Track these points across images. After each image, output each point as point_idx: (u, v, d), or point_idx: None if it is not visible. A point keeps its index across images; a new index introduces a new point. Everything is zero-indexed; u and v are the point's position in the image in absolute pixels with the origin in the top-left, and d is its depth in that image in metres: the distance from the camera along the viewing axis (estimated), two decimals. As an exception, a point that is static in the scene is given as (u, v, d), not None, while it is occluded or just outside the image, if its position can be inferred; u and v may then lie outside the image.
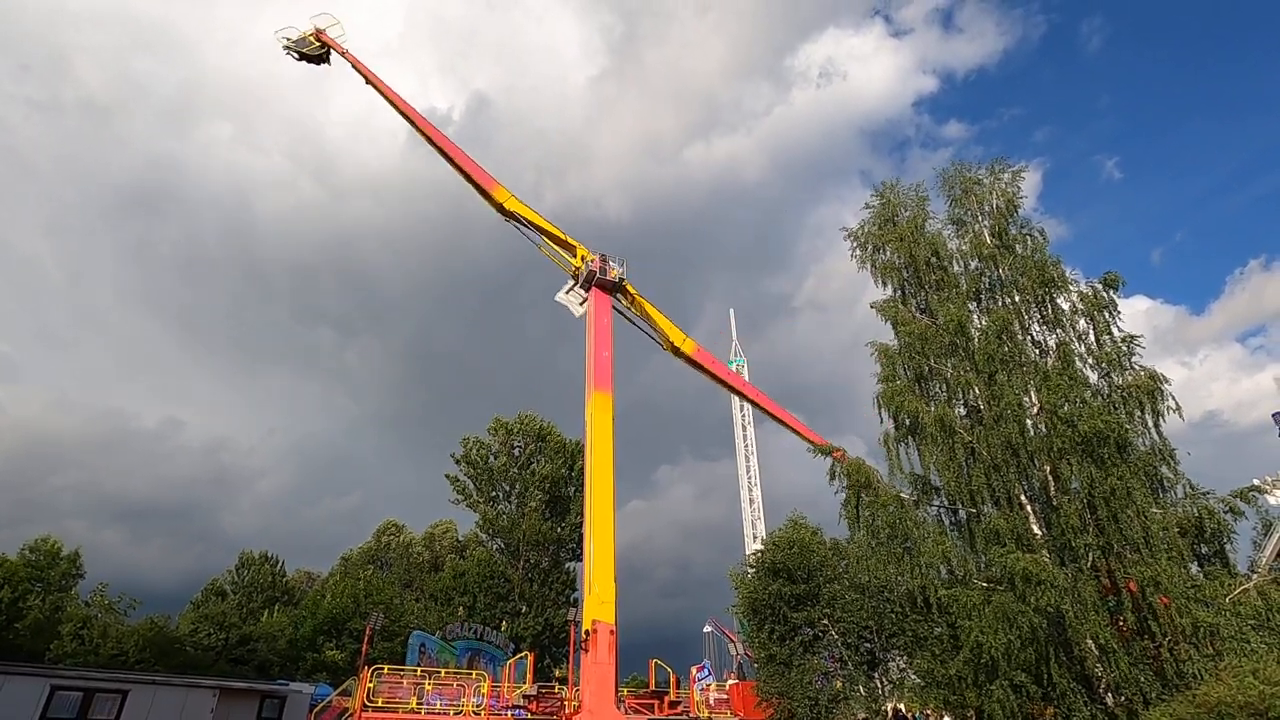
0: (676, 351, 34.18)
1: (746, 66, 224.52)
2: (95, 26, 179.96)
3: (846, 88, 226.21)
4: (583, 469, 31.60)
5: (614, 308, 32.31)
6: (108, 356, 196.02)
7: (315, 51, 35.88)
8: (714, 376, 35.77)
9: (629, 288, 32.56)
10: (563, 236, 32.77)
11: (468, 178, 33.23)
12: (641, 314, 33.75)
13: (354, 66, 35.01)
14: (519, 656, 33.62)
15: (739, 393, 37.93)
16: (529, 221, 32.64)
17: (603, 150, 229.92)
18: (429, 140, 33.77)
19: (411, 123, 34.29)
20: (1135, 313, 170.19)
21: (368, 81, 34.94)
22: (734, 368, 63.81)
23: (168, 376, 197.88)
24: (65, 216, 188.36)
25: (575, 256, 32.20)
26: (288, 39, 35.37)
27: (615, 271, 31.58)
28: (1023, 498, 16.54)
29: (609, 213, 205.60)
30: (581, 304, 31.40)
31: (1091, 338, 17.36)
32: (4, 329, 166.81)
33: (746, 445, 59.46)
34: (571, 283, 31.87)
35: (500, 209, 32.73)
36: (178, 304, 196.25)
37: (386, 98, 34.47)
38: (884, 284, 20.31)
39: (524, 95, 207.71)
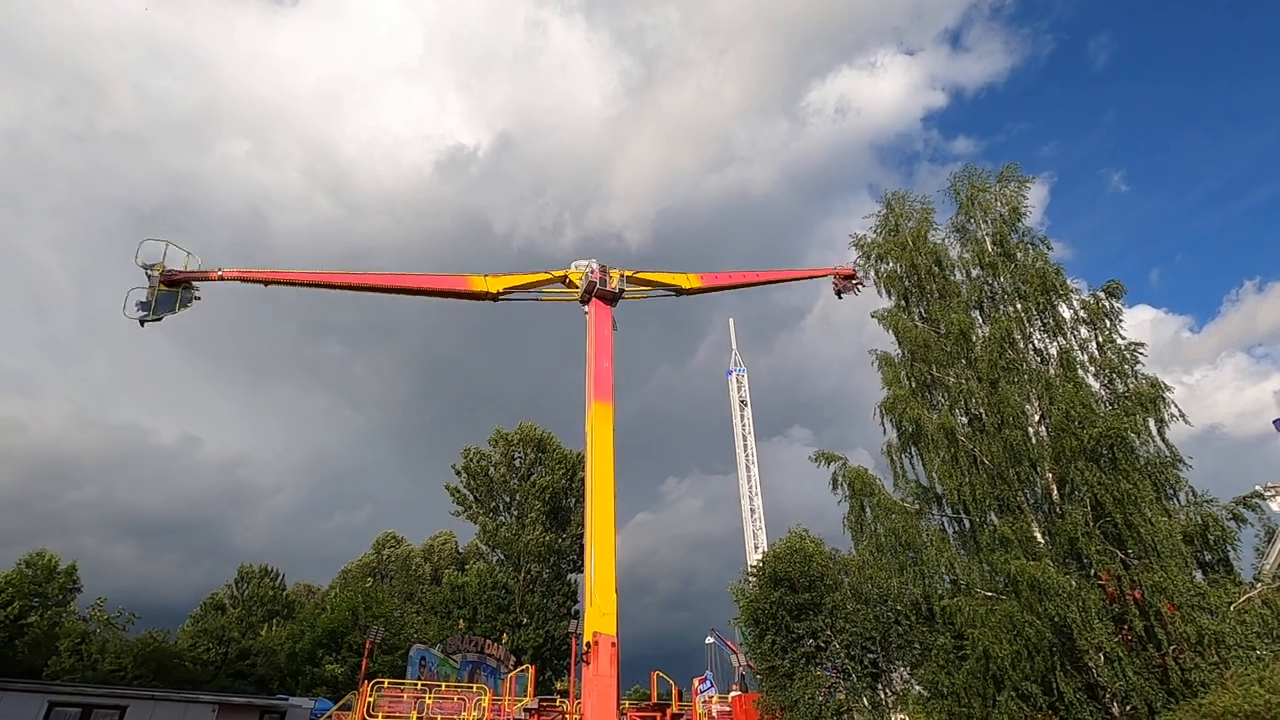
0: (690, 291, 34.13)
1: (763, 105, 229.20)
2: (117, 47, 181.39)
3: (859, 115, 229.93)
4: (584, 480, 31.49)
5: (626, 295, 31.87)
6: (122, 372, 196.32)
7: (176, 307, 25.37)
8: (726, 286, 35.93)
9: (627, 273, 31.95)
10: (551, 275, 31.01)
11: (441, 294, 29.44)
12: (649, 285, 33.23)
13: (249, 280, 26.65)
14: (520, 669, 33.44)
15: (747, 284, 37.61)
16: (521, 286, 30.54)
17: (622, 186, 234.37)
18: (394, 290, 28.76)
19: (364, 287, 28.40)
20: (1140, 322, 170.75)
21: (275, 283, 27.21)
22: (733, 377, 63.83)
23: (182, 391, 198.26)
24: (79, 233, 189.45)
25: (571, 285, 31.56)
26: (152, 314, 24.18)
27: (615, 282, 31.49)
28: (1025, 505, 16.51)
29: (630, 245, 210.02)
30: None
31: (1094, 345, 17.41)
32: (21, 346, 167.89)
33: (748, 454, 59.33)
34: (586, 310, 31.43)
35: (488, 296, 29.55)
36: (189, 320, 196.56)
37: (317, 283, 27.94)
38: (887, 293, 20.39)
39: (546, 135, 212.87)
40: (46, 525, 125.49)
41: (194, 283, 25.58)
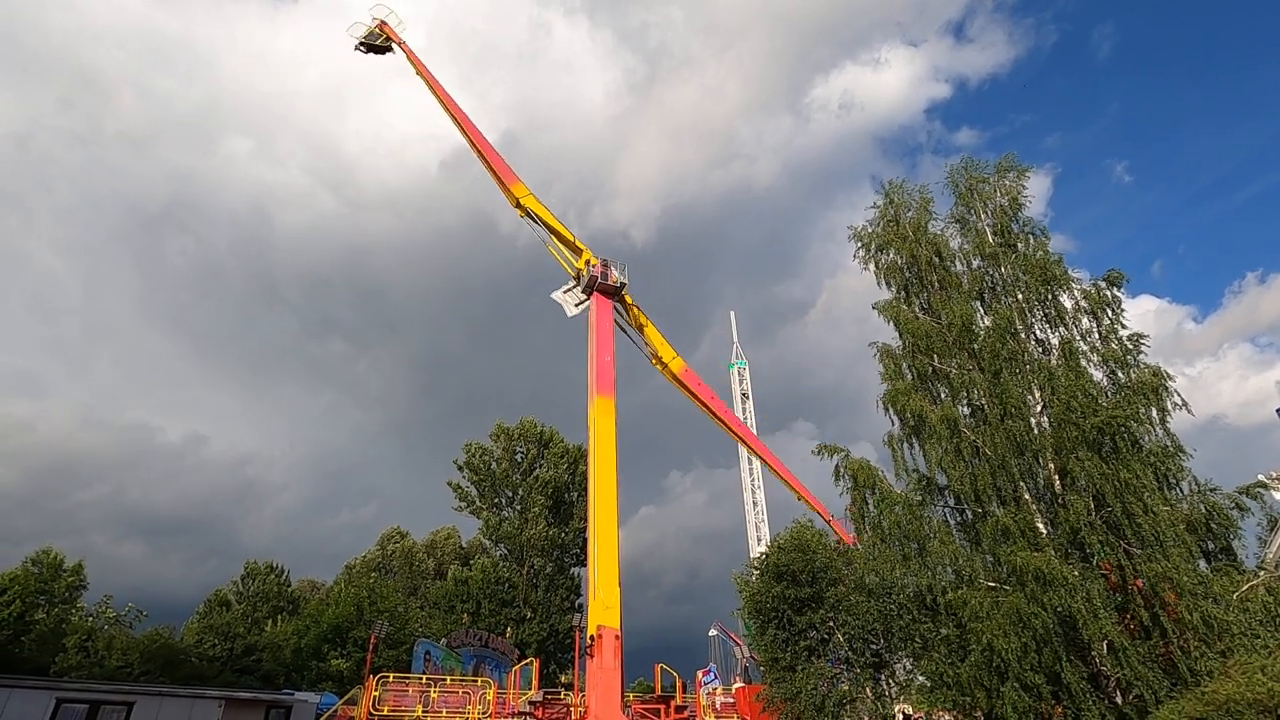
0: (667, 371, 34.59)
1: (766, 102, 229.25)
2: (119, 47, 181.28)
3: (863, 109, 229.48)
4: (586, 473, 31.61)
5: (618, 320, 32.49)
6: (128, 371, 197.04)
7: (381, 43, 39.64)
8: (698, 400, 35.89)
9: (627, 299, 32.72)
10: (570, 238, 33.74)
11: (493, 172, 36.14)
12: (636, 325, 33.95)
13: (409, 58, 39.12)
14: (524, 663, 33.56)
15: (724, 424, 37.94)
16: (540, 219, 34.27)
17: (627, 184, 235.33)
18: (464, 133, 37.07)
19: (453, 116, 37.30)
20: (1143, 313, 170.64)
21: (419, 73, 38.41)
22: (734, 370, 63.81)
23: (188, 390, 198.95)
24: (85, 233, 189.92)
25: (580, 259, 32.57)
26: (360, 38, 39.58)
27: (616, 277, 31.59)
28: (1027, 496, 16.50)
29: (635, 243, 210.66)
30: (577, 305, 31.69)
31: (1095, 335, 17.35)
32: (29, 348, 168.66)
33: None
34: (572, 283, 32.09)
35: (516, 204, 34.77)
36: (196, 318, 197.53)
37: (433, 90, 37.90)
38: (887, 284, 20.30)
39: (550, 133, 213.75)
40: (56, 524, 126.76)
41: (389, 39, 39.24)
